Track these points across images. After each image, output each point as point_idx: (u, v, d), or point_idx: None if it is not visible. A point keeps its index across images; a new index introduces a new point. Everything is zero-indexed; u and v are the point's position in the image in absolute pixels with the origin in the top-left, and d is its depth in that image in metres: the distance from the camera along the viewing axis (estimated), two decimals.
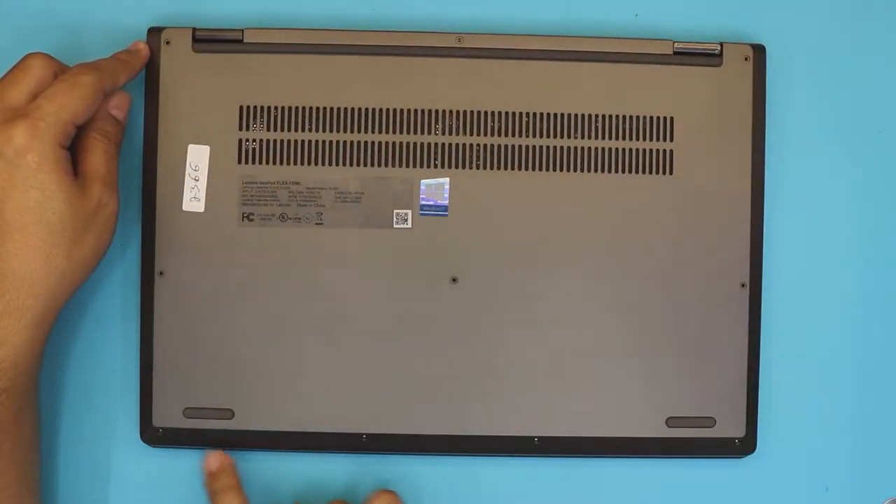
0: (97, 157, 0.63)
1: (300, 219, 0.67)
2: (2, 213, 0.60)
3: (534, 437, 0.68)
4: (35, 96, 0.61)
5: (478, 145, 0.68)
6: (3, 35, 0.69)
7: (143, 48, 0.66)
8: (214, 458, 0.66)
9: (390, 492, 0.66)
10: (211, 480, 0.66)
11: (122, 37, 0.68)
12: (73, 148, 0.63)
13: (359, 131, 0.68)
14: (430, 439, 0.68)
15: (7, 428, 0.61)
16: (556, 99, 0.68)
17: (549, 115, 0.68)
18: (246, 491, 0.67)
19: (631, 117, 0.68)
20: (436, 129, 0.68)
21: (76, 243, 0.61)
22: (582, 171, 0.68)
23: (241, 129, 0.67)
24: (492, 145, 0.68)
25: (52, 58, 0.62)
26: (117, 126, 0.65)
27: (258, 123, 0.67)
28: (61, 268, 0.61)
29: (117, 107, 0.65)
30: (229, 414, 0.67)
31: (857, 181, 0.71)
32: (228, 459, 0.67)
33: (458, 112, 0.68)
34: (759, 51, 0.69)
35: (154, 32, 0.67)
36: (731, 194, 0.69)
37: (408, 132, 0.68)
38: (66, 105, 0.60)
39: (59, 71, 0.62)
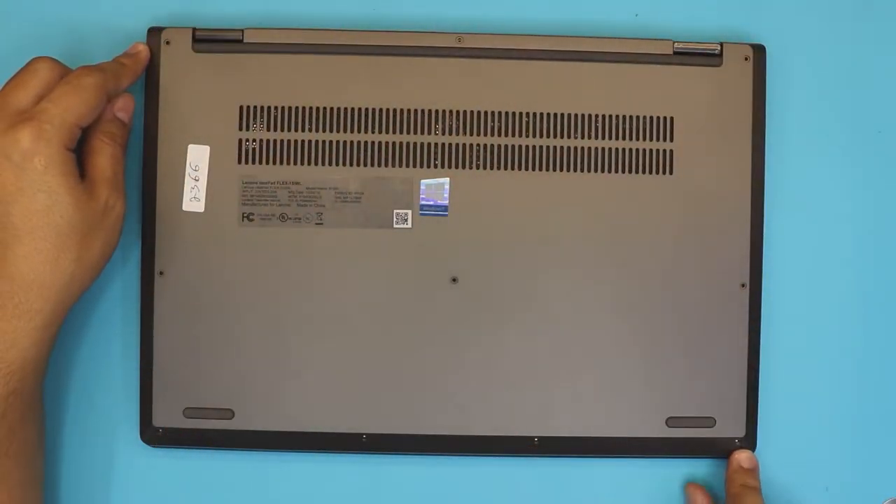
0: (104, 159, 0.63)
1: (300, 219, 0.67)
2: (10, 216, 0.60)
3: (534, 437, 0.68)
4: (40, 99, 0.61)
5: (478, 145, 0.68)
6: (4, 38, 0.69)
7: (143, 49, 0.67)
8: (750, 456, 0.68)
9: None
10: (739, 474, 0.67)
11: (122, 37, 0.68)
12: (80, 151, 0.63)
13: (359, 131, 0.68)
14: (430, 439, 0.68)
15: (14, 429, 0.61)
16: (556, 99, 0.68)
17: (549, 115, 0.68)
18: (248, 491, 0.67)
19: (631, 117, 0.68)
20: (436, 129, 0.68)
21: (84, 246, 0.61)
22: (582, 171, 0.68)
23: (241, 129, 0.67)
24: (492, 145, 0.68)
25: (57, 62, 0.62)
26: (123, 128, 0.65)
27: (258, 123, 0.67)
28: (69, 270, 0.61)
29: (122, 109, 0.65)
30: (229, 414, 0.67)
31: (857, 181, 0.71)
32: (757, 461, 0.68)
33: (458, 112, 0.68)
34: (759, 51, 0.69)
35: (154, 33, 0.67)
36: (731, 194, 0.69)
37: (408, 132, 0.68)
38: (70, 107, 0.60)
39: (65, 74, 0.62)
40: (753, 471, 0.68)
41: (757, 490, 0.67)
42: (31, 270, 0.60)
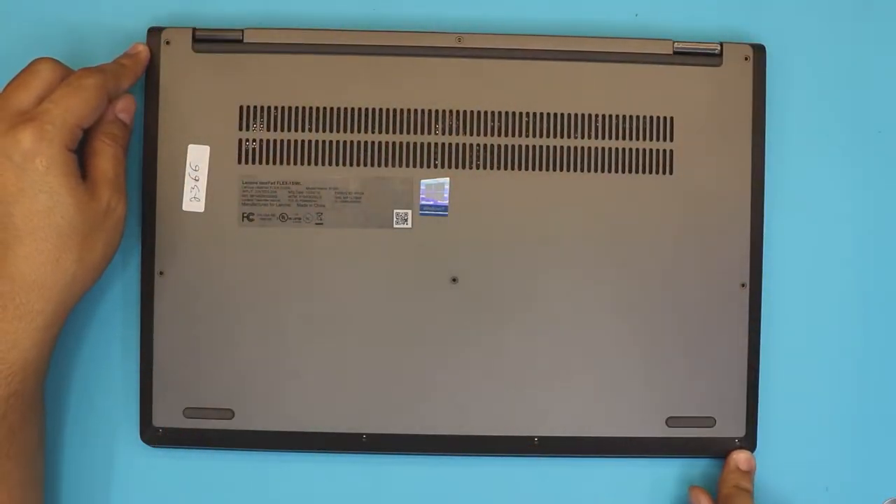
0: (106, 160, 0.63)
1: (300, 219, 0.67)
2: (11, 217, 0.60)
3: (534, 437, 0.68)
4: (42, 100, 0.61)
5: (478, 145, 0.68)
6: (4, 38, 0.69)
7: (144, 50, 0.66)
8: (750, 457, 0.68)
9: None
10: (734, 475, 0.67)
11: (122, 38, 0.68)
12: (81, 152, 0.63)
13: (359, 131, 0.68)
14: (430, 439, 0.68)
15: (15, 430, 0.61)
16: (556, 99, 0.68)
17: (549, 115, 0.68)
18: (248, 491, 0.67)
19: (631, 117, 0.68)
20: (436, 129, 0.68)
21: (85, 247, 0.61)
22: (582, 171, 0.68)
23: (241, 129, 0.67)
24: (492, 145, 0.68)
25: (59, 62, 0.62)
26: (124, 129, 0.65)
27: (258, 123, 0.67)
28: (71, 271, 0.61)
29: (124, 110, 0.65)
30: (229, 414, 0.67)
31: (857, 181, 0.71)
32: (755, 464, 0.68)
33: (458, 112, 0.68)
34: (759, 51, 0.69)
35: (154, 33, 0.67)
36: (731, 194, 0.69)
37: (408, 132, 0.68)
38: (72, 108, 0.60)
39: (66, 75, 0.62)
40: (749, 473, 0.68)
41: (749, 493, 0.66)
42: (33, 271, 0.60)
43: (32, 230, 0.60)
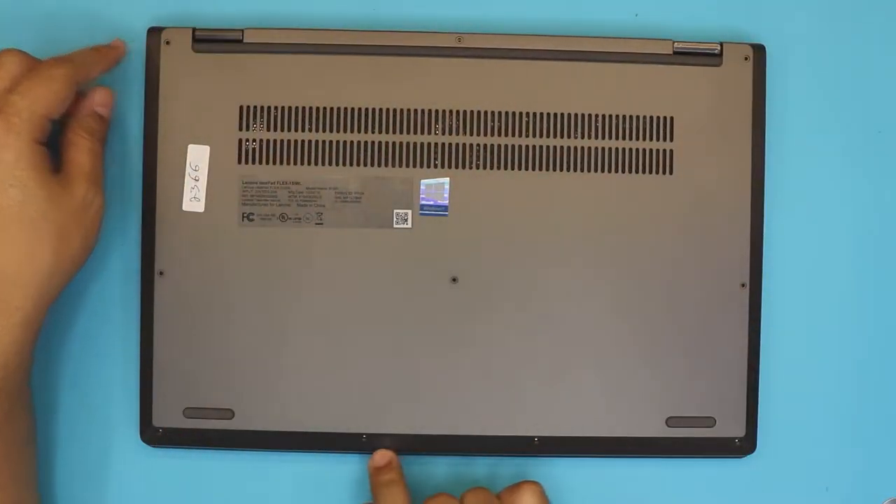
0: (82, 154, 0.63)
1: (300, 219, 0.67)
2: None
3: (534, 437, 0.68)
4: (8, 92, 0.60)
5: (478, 145, 0.68)
6: (3, 38, 0.69)
7: (121, 45, 0.66)
8: (382, 454, 0.66)
9: (534, 483, 0.65)
10: (375, 474, 0.66)
11: (122, 37, 0.68)
12: (57, 145, 0.62)
13: (359, 131, 0.68)
14: (430, 439, 0.68)
15: (0, 426, 0.61)
16: (556, 99, 0.68)
17: (549, 115, 0.68)
18: (248, 491, 0.67)
19: (631, 117, 0.68)
20: (436, 129, 0.68)
21: (61, 240, 0.61)
22: (582, 171, 0.68)
23: (241, 129, 0.67)
24: (492, 145, 0.68)
25: (25, 53, 0.62)
26: (102, 123, 0.65)
27: (258, 123, 0.68)
28: (47, 264, 0.60)
29: (101, 104, 0.65)
30: (229, 414, 0.67)
31: (857, 181, 0.71)
32: (393, 456, 0.66)
33: (458, 112, 0.68)
34: (759, 51, 0.69)
35: (154, 33, 0.67)
36: (731, 194, 0.69)
37: (408, 132, 0.68)
38: (39, 99, 0.60)
39: (34, 66, 0.61)
40: (388, 466, 0.66)
41: (395, 482, 0.65)
42: (8, 266, 0.59)
43: (5, 225, 0.59)
